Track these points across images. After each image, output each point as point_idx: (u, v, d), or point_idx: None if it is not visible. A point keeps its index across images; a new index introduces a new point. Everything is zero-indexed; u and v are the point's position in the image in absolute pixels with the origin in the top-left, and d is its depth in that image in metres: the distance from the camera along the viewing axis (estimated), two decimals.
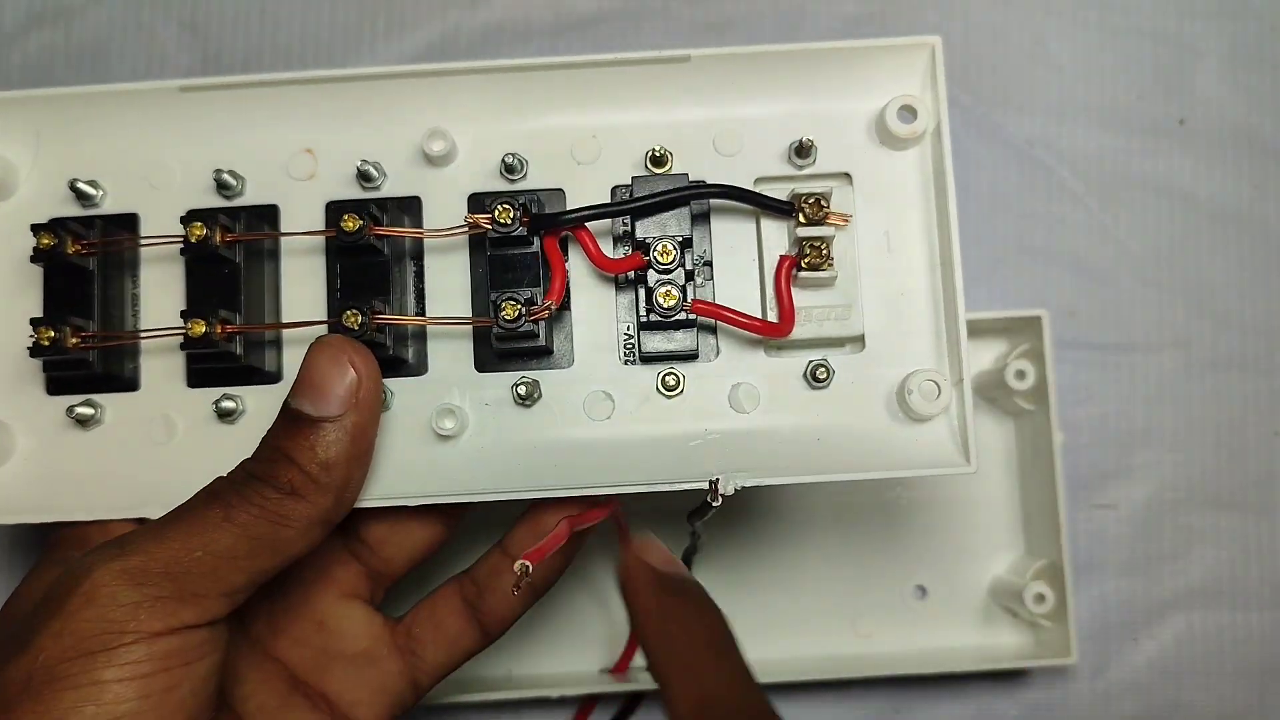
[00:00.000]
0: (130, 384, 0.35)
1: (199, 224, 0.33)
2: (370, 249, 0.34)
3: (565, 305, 0.35)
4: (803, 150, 0.35)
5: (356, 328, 0.32)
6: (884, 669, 0.46)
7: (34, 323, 0.33)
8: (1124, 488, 0.50)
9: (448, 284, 0.35)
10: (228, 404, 0.35)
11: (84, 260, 0.34)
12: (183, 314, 0.33)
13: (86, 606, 0.27)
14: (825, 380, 0.35)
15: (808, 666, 0.46)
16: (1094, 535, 0.49)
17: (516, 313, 0.32)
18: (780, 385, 0.35)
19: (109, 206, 0.36)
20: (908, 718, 0.49)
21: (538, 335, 0.34)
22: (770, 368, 0.35)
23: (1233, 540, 0.50)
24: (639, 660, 0.44)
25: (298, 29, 0.51)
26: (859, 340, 0.35)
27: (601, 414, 0.35)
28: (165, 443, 0.35)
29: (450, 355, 0.35)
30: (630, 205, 0.34)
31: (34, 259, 0.34)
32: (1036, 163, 0.51)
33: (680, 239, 0.34)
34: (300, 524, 0.30)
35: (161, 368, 0.35)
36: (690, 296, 0.34)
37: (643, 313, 0.34)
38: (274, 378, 0.35)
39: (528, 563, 0.31)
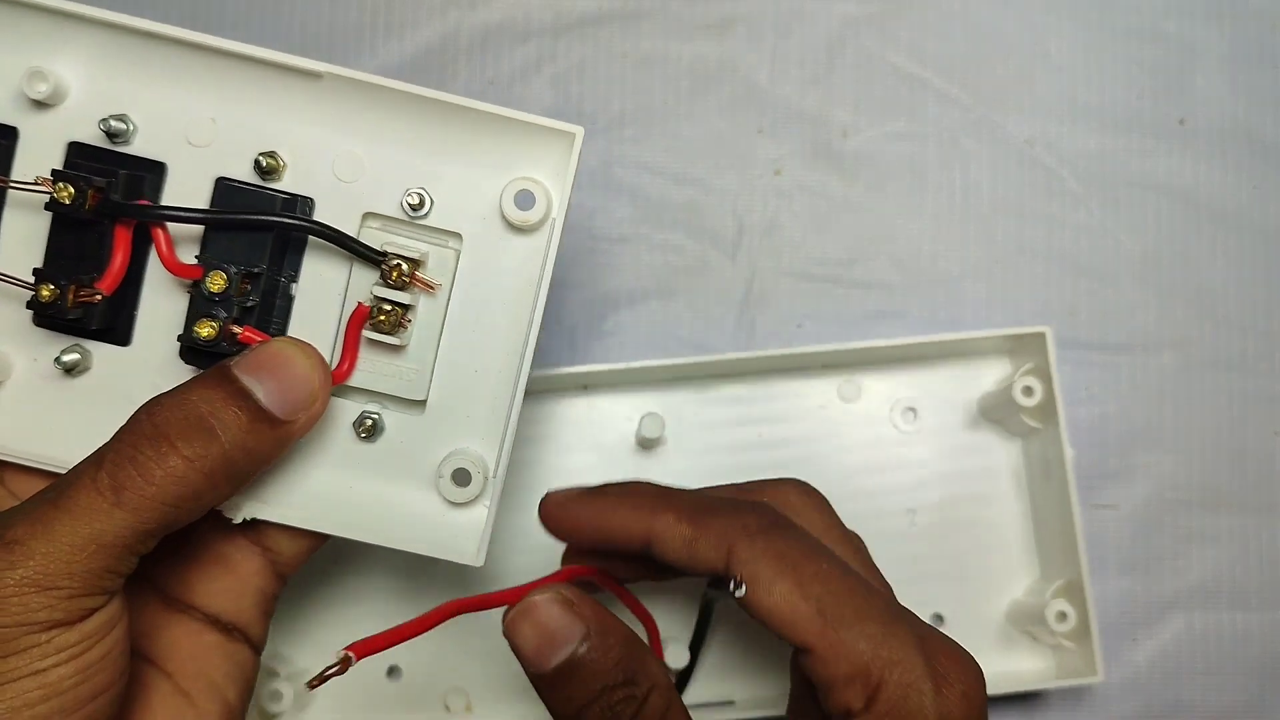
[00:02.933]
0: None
1: None
2: None
3: (133, 290, 0.34)
4: (416, 207, 0.34)
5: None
6: None
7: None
8: (1124, 488, 0.50)
9: (26, 241, 0.34)
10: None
11: None
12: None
13: None
14: (372, 435, 0.34)
15: None
16: (1094, 535, 0.49)
17: (52, 294, 0.32)
18: (326, 429, 0.34)
19: None
20: None
21: (88, 320, 0.33)
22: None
23: (1233, 540, 0.50)
24: None
25: (298, 29, 0.51)
26: (420, 405, 0.35)
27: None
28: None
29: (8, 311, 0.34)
30: (203, 217, 0.33)
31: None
32: (1036, 163, 0.51)
33: (246, 271, 0.32)
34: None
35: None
36: (242, 327, 0.32)
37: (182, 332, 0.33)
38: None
39: (351, 654, 0.29)
